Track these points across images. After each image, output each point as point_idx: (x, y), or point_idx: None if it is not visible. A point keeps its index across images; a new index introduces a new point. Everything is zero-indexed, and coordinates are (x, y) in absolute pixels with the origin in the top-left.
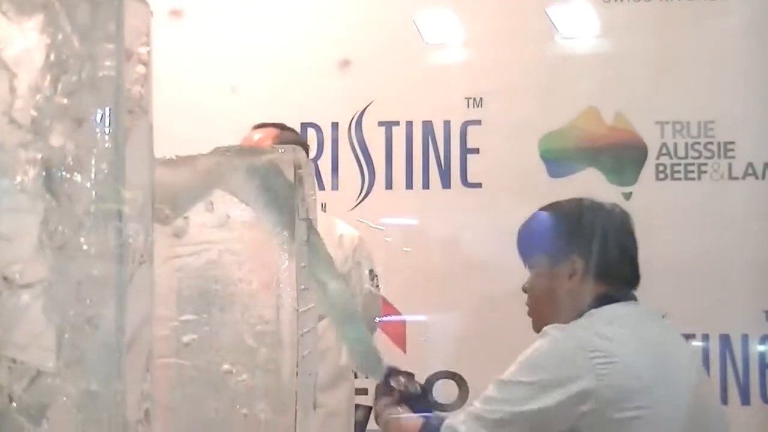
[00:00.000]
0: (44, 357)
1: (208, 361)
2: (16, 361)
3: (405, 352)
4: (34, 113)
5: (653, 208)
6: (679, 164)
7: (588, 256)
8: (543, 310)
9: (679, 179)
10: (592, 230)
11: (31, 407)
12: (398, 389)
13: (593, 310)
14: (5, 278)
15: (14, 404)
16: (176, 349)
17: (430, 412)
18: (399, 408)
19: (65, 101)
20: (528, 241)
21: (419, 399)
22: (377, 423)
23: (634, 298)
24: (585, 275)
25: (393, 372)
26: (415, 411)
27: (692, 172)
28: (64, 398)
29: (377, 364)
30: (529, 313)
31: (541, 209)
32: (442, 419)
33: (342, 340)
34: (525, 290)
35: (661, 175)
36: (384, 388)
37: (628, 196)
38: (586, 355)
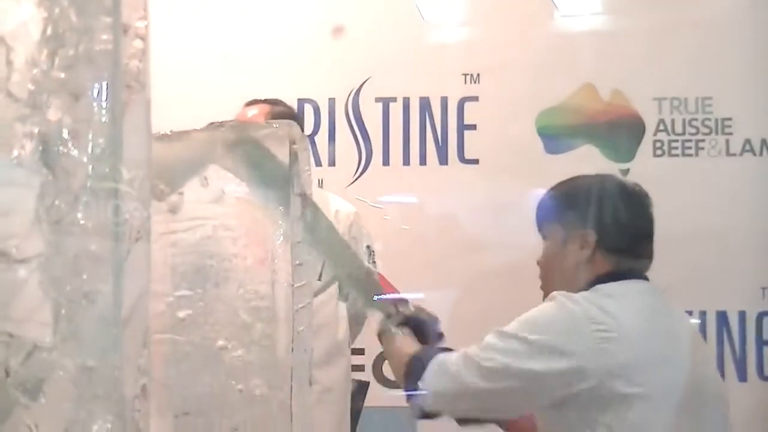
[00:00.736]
0: (41, 331)
1: (203, 337)
2: (12, 335)
3: None
4: (31, 87)
5: (650, 185)
6: (677, 140)
7: (601, 230)
8: (553, 281)
9: (677, 155)
10: (608, 205)
11: (27, 382)
12: (404, 313)
13: (600, 285)
14: (2, 253)
15: (10, 378)
16: (171, 325)
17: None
18: (400, 329)
19: (62, 75)
20: (545, 210)
21: (426, 327)
22: (379, 340)
23: (644, 277)
24: (596, 248)
25: (401, 300)
26: (419, 337)
27: (690, 148)
28: (61, 373)
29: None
30: (542, 287)
31: (562, 182)
32: (436, 352)
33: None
34: (539, 264)
35: (659, 152)
36: (391, 312)
37: (625, 172)
38: (588, 327)
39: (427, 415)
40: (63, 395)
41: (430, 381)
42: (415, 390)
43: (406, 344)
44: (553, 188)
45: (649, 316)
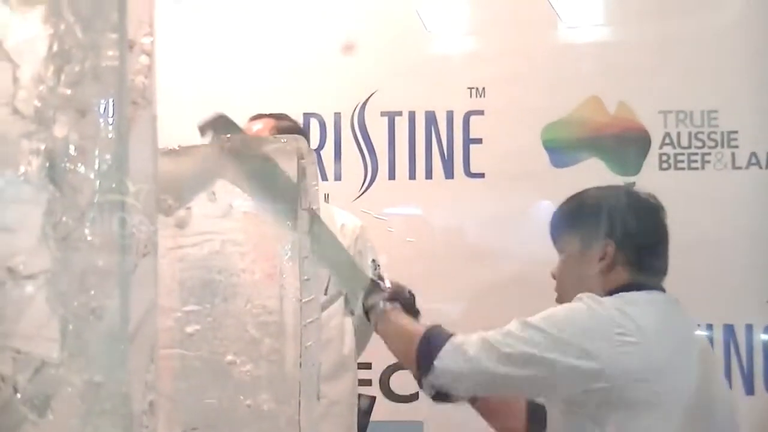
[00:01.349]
0: (48, 348)
1: (211, 352)
2: (20, 351)
3: None
4: (37, 104)
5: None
6: (683, 154)
7: (620, 242)
8: (570, 293)
9: (683, 169)
10: (627, 217)
11: (35, 398)
12: (387, 289)
13: (622, 293)
14: (9, 269)
15: (18, 395)
16: (180, 340)
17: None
18: (394, 303)
19: (68, 92)
20: (561, 222)
21: (409, 303)
22: (368, 319)
23: (660, 288)
24: (614, 260)
25: (380, 277)
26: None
27: (695, 161)
28: (69, 389)
29: (362, 278)
30: (557, 299)
31: (575, 194)
32: (448, 333)
33: (326, 267)
34: (554, 276)
35: (665, 165)
36: (373, 287)
37: (630, 186)
38: (611, 330)
39: (439, 396)
40: (71, 411)
41: (447, 362)
42: (428, 369)
43: (407, 322)
44: (567, 201)
45: (668, 326)
